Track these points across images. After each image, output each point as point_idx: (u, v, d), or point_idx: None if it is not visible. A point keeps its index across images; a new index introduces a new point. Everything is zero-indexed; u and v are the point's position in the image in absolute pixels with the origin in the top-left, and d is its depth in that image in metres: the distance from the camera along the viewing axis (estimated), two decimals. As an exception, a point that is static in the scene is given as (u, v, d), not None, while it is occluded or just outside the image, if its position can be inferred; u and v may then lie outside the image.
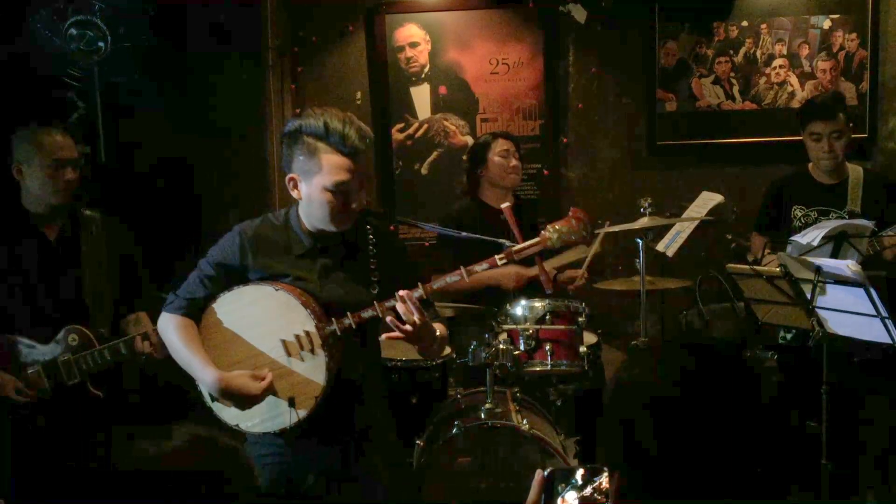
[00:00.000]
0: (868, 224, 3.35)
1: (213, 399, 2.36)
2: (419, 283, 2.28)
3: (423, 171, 4.90)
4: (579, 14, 4.69)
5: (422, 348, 2.40)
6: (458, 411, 3.23)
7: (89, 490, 2.87)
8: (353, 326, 2.28)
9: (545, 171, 4.87)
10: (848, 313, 2.88)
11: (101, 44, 3.92)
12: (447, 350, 3.56)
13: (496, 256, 2.29)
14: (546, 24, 4.77)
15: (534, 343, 3.29)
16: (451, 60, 4.83)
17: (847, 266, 2.81)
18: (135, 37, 4.01)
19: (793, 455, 3.09)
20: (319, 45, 4.83)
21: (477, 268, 2.29)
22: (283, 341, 2.30)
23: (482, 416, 3.12)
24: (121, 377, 3.07)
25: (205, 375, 2.30)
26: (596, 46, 4.79)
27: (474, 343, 3.18)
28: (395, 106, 4.86)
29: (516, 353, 3.27)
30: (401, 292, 2.25)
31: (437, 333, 2.40)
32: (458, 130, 4.87)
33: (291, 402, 2.28)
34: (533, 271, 3.69)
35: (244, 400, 2.28)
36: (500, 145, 3.88)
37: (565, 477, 1.37)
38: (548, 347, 3.28)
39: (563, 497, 1.33)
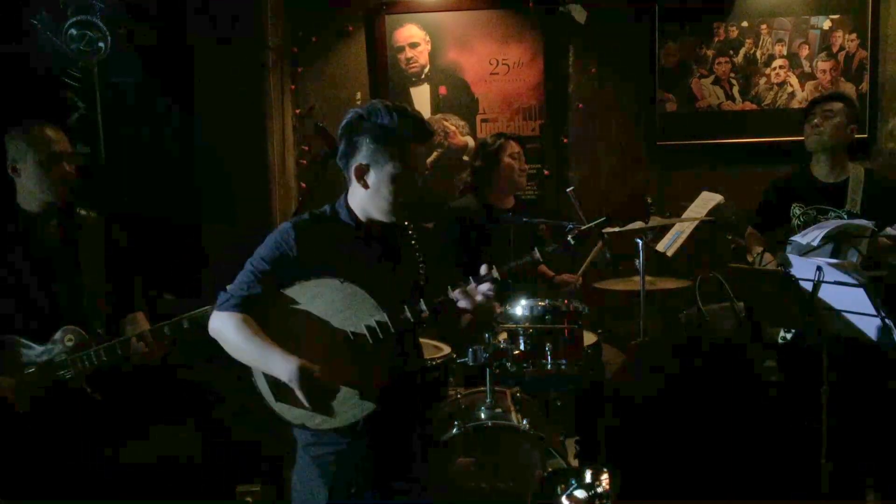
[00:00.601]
0: (868, 224, 3.35)
1: (276, 399, 2.31)
2: (493, 266, 2.32)
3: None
4: (579, 14, 4.68)
5: (472, 327, 2.51)
6: (458, 411, 3.23)
7: (86, 489, 2.87)
8: (427, 313, 2.28)
9: (545, 172, 4.87)
10: (848, 313, 2.88)
11: (101, 44, 3.93)
12: (447, 349, 3.56)
13: (569, 237, 2.43)
14: (546, 24, 4.77)
15: (534, 343, 3.29)
16: (451, 61, 4.83)
17: (847, 266, 2.81)
18: (134, 38, 4.02)
19: (793, 455, 3.09)
20: (319, 45, 4.84)
21: (548, 248, 2.41)
22: (353, 333, 2.28)
23: (482, 416, 3.12)
24: (119, 378, 3.07)
25: (287, 364, 2.21)
26: (596, 46, 4.79)
27: (474, 343, 3.18)
28: (395, 106, 4.86)
29: (516, 353, 3.27)
30: (484, 268, 2.30)
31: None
32: (458, 131, 4.87)
33: (361, 395, 2.25)
34: (575, 277, 3.78)
35: (318, 392, 2.23)
36: (512, 147, 3.95)
37: (565, 477, 1.37)
38: (548, 347, 3.28)
39: (572, 494, 1.33)
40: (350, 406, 2.27)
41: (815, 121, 3.63)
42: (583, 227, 2.45)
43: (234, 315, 2.31)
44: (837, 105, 3.63)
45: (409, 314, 2.27)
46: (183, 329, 2.86)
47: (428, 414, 2.94)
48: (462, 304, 2.29)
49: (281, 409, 2.33)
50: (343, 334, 2.28)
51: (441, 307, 2.30)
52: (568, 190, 2.63)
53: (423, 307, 2.28)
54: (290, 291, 2.32)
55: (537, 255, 2.36)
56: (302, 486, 2.41)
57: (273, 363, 2.25)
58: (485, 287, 2.29)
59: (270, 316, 2.32)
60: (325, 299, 2.29)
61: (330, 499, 2.33)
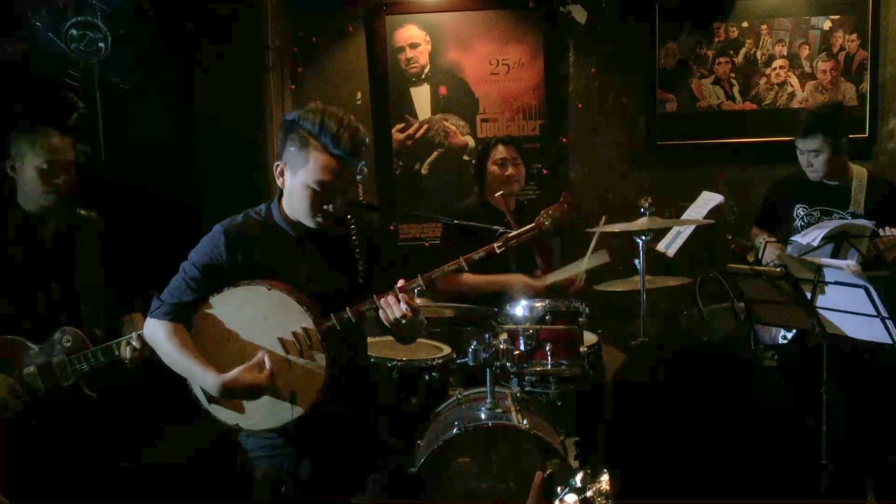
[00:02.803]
0: (868, 224, 3.35)
1: (209, 401, 2.35)
2: (418, 274, 2.29)
3: (424, 171, 4.90)
4: (579, 14, 4.69)
5: (400, 337, 2.45)
6: (458, 411, 3.23)
7: (86, 489, 2.87)
8: (353, 320, 2.27)
9: (545, 171, 4.87)
10: (848, 313, 2.88)
11: (101, 44, 3.92)
12: (447, 349, 3.56)
13: (494, 244, 2.32)
14: (546, 24, 4.77)
15: (534, 343, 3.29)
16: (452, 61, 4.83)
17: (847, 266, 2.81)
18: (135, 37, 4.01)
19: (793, 455, 3.09)
20: (319, 45, 4.84)
21: (475, 256, 2.32)
22: (281, 339, 2.29)
23: (482, 416, 3.12)
24: (119, 377, 3.07)
25: (207, 380, 2.27)
26: (596, 46, 4.79)
27: (474, 343, 3.18)
28: (395, 106, 4.86)
29: (516, 353, 3.27)
30: (399, 283, 2.26)
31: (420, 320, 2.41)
32: (458, 131, 4.87)
33: (293, 398, 2.27)
34: (540, 283, 3.71)
35: (253, 393, 2.27)
36: (499, 153, 3.90)
37: (565, 478, 1.37)
38: (548, 347, 3.28)
39: (563, 499, 1.33)
40: (281, 409, 2.28)
41: (805, 161, 3.60)
42: (510, 234, 2.37)
43: (165, 324, 2.34)
44: (817, 141, 3.53)
45: (334, 321, 2.26)
46: None
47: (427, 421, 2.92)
48: (382, 312, 2.27)
49: (214, 410, 2.36)
50: (272, 340, 2.29)
51: (365, 314, 2.29)
52: (496, 194, 2.48)
53: (348, 314, 2.27)
54: (221, 297, 2.33)
55: (462, 263, 2.32)
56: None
57: (198, 377, 2.30)
58: (403, 297, 2.25)
59: (200, 321, 2.34)
60: (253, 305, 2.30)
61: (256, 492, 2.34)
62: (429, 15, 4.80)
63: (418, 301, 2.35)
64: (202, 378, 2.28)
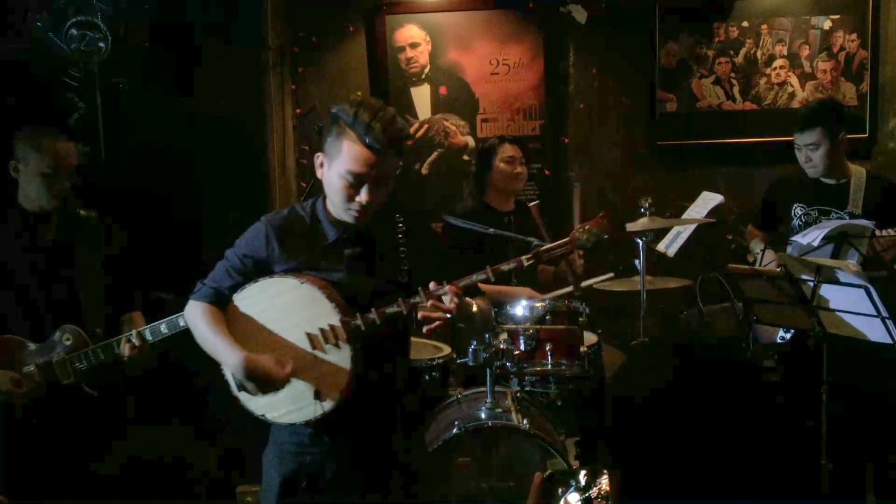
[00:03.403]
0: (868, 224, 3.35)
1: (239, 388, 2.34)
2: (444, 282, 2.25)
3: (424, 171, 4.90)
4: (579, 14, 4.69)
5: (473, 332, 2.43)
6: (458, 411, 3.23)
7: (86, 489, 2.87)
8: (378, 322, 2.26)
9: (545, 172, 4.87)
10: (848, 313, 2.88)
11: (101, 44, 3.93)
12: (447, 349, 3.56)
13: (523, 256, 2.26)
14: (546, 24, 4.77)
15: (534, 343, 3.29)
16: (452, 61, 4.83)
17: (847, 266, 2.81)
18: (135, 37, 4.02)
19: (793, 455, 3.09)
20: (319, 45, 4.83)
21: (503, 267, 2.27)
22: (308, 334, 2.27)
23: (482, 416, 3.12)
24: (120, 376, 3.07)
25: (230, 356, 2.27)
26: (596, 46, 4.79)
27: (474, 343, 3.18)
28: (395, 106, 4.75)
29: (516, 353, 3.27)
30: (432, 284, 2.24)
31: (475, 310, 2.38)
32: (458, 131, 4.87)
33: (317, 395, 2.25)
34: (546, 296, 3.71)
35: (267, 383, 2.26)
36: (506, 151, 3.88)
37: (565, 478, 1.37)
38: (548, 347, 3.28)
39: (563, 499, 1.33)
40: (307, 403, 2.27)
41: (804, 156, 3.58)
42: (542, 248, 2.32)
43: (202, 304, 2.37)
44: (815, 133, 3.52)
45: (359, 321, 2.25)
46: (161, 332, 2.89)
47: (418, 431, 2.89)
48: (421, 314, 2.25)
49: (243, 398, 2.35)
50: (300, 333, 2.28)
51: (385, 318, 2.26)
52: (531, 204, 2.46)
53: (373, 315, 2.25)
54: (255, 286, 2.33)
55: (489, 273, 2.27)
56: (265, 468, 2.43)
57: (221, 353, 2.30)
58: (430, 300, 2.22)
59: (233, 309, 2.35)
60: (285, 298, 2.30)
61: (280, 488, 2.34)
62: (429, 15, 4.80)
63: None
64: (226, 354, 2.29)
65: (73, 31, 3.92)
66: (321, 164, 2.31)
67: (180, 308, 2.90)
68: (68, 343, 2.89)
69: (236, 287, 2.35)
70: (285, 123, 4.66)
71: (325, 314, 2.25)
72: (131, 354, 2.86)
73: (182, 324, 2.80)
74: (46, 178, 2.90)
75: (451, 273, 2.29)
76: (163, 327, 2.87)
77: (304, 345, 2.28)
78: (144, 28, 4.04)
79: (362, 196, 2.24)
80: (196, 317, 2.38)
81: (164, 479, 3.31)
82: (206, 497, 3.66)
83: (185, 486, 3.39)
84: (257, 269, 2.34)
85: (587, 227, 2.29)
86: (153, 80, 4.09)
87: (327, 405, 2.26)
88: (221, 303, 2.36)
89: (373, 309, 2.26)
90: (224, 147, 4.24)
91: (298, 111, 4.81)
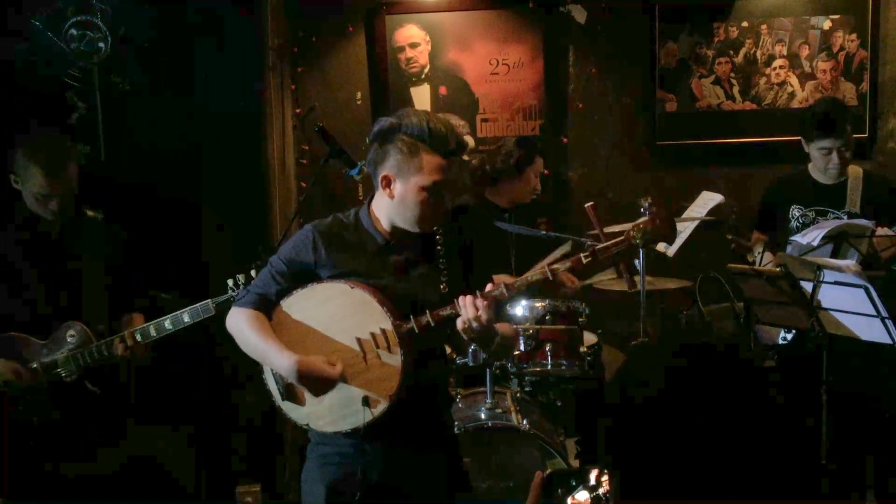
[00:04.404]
0: (868, 224, 3.35)
1: (283, 398, 2.33)
2: (502, 284, 2.25)
3: (424, 171, 4.89)
4: (579, 14, 4.69)
5: (483, 347, 2.44)
6: (458, 411, 3.23)
7: (86, 489, 2.87)
8: (432, 324, 2.25)
9: (545, 171, 4.86)
10: (848, 313, 2.88)
11: (101, 44, 3.93)
12: (447, 350, 3.55)
13: (581, 255, 2.24)
14: (546, 24, 4.76)
15: (534, 343, 3.30)
16: (452, 61, 4.83)
17: (847, 266, 2.81)
18: (134, 38, 4.02)
19: (793, 455, 3.09)
20: (319, 45, 4.83)
21: (560, 266, 2.26)
22: (359, 339, 2.27)
23: (482, 416, 3.13)
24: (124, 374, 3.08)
25: (282, 360, 2.26)
26: (596, 47, 4.79)
27: (474, 343, 3.17)
28: (395, 106, 4.85)
29: (516, 353, 3.27)
30: (490, 284, 2.24)
31: (501, 333, 2.36)
32: (458, 131, 4.86)
33: (365, 401, 2.24)
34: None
35: (320, 384, 2.25)
36: (539, 165, 3.96)
37: (565, 478, 1.37)
38: (548, 347, 3.28)
39: (572, 497, 1.33)
40: (354, 410, 2.26)
41: (835, 158, 3.55)
42: (598, 246, 2.24)
43: (247, 311, 2.36)
44: (847, 133, 3.52)
45: (413, 324, 2.25)
46: (150, 334, 2.90)
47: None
48: (460, 318, 2.24)
49: (287, 407, 2.34)
50: (350, 339, 2.28)
51: (447, 320, 2.26)
52: (587, 206, 2.46)
53: (428, 317, 2.25)
54: (303, 292, 2.32)
55: (549, 274, 2.24)
56: (306, 484, 2.42)
57: (272, 358, 2.30)
58: (479, 302, 2.21)
59: (281, 314, 2.34)
60: (335, 303, 2.29)
61: (327, 500, 2.32)
62: (429, 15, 4.80)
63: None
64: (277, 359, 2.27)
65: (73, 31, 3.92)
66: (388, 184, 2.29)
67: (179, 308, 2.92)
68: (73, 340, 2.91)
69: (282, 293, 2.34)
70: (285, 123, 4.66)
71: (376, 319, 2.25)
72: (124, 354, 2.87)
73: (171, 326, 2.87)
74: (39, 202, 2.92)
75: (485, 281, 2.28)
76: (167, 323, 2.90)
77: (355, 350, 2.27)
78: (144, 28, 4.04)
79: (444, 203, 2.29)
80: (241, 323, 2.36)
81: (164, 478, 3.31)
82: (206, 497, 3.66)
83: (185, 486, 3.39)
84: (303, 275, 2.34)
85: (641, 225, 2.25)
86: (153, 80, 4.08)
87: (377, 411, 2.25)
88: (267, 309, 2.35)
89: (427, 311, 2.26)
90: (224, 147, 4.24)
91: (298, 111, 4.81)
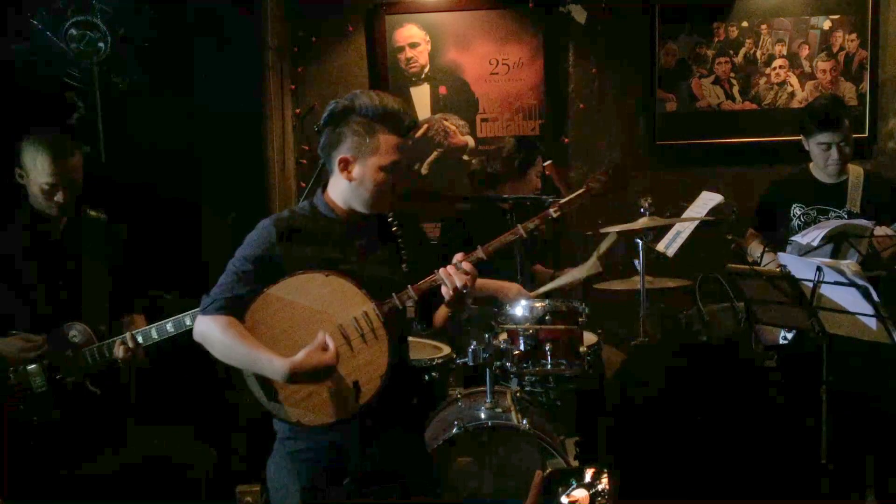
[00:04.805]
0: (868, 224, 3.35)
1: (269, 399, 2.29)
2: (478, 246, 2.31)
3: (423, 170, 4.89)
4: (579, 14, 4.69)
5: (459, 313, 2.47)
6: (458, 411, 3.23)
7: (86, 489, 2.86)
8: (415, 298, 2.28)
9: (557, 170, 4.85)
10: (848, 313, 2.88)
11: (101, 44, 3.94)
12: (447, 350, 3.56)
13: (549, 209, 2.34)
14: (546, 24, 4.77)
15: (534, 343, 3.29)
16: (451, 61, 4.83)
17: (847, 266, 2.81)
18: (134, 38, 4.02)
19: (793, 455, 3.09)
20: (319, 45, 4.83)
21: (530, 224, 2.37)
22: (342, 326, 2.26)
23: (482, 416, 3.12)
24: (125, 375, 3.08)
25: (274, 366, 2.19)
26: (596, 46, 4.79)
27: (474, 343, 3.18)
28: (395, 106, 4.85)
29: (516, 353, 3.27)
30: (458, 255, 2.28)
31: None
32: (458, 130, 4.87)
33: (356, 386, 2.23)
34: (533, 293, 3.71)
35: (320, 375, 2.21)
36: (540, 165, 3.95)
37: (564, 478, 1.37)
38: (548, 347, 3.28)
39: (569, 494, 1.33)
40: (343, 399, 2.25)
41: (834, 153, 3.56)
42: (562, 200, 2.39)
43: (219, 318, 2.27)
44: (846, 127, 3.54)
45: (396, 301, 2.26)
46: (152, 336, 2.91)
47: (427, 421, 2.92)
48: (445, 287, 2.27)
49: (275, 408, 2.31)
50: (333, 328, 2.26)
51: (428, 291, 2.29)
52: (545, 164, 2.59)
53: (411, 292, 2.27)
54: (276, 288, 2.28)
55: (520, 230, 2.34)
56: (276, 479, 2.38)
57: (263, 366, 2.22)
58: (466, 266, 2.26)
59: (259, 312, 2.28)
60: (312, 294, 2.27)
61: (303, 497, 2.31)
62: (428, 15, 4.80)
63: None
64: (268, 365, 2.20)
65: (73, 31, 3.92)
66: (346, 167, 2.29)
67: (180, 309, 2.92)
68: (75, 340, 2.91)
69: (251, 293, 2.28)
70: (285, 123, 4.66)
71: (357, 303, 2.25)
72: (125, 356, 2.87)
73: (173, 329, 2.87)
74: (45, 191, 2.92)
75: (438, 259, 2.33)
76: (169, 326, 2.90)
77: (338, 338, 2.25)
78: (144, 28, 4.05)
79: (401, 182, 2.30)
80: (215, 331, 2.26)
81: (164, 478, 3.30)
82: (206, 497, 3.66)
83: (185, 486, 3.38)
84: (270, 272, 2.28)
85: (598, 175, 2.41)
86: (153, 80, 4.08)
87: (369, 394, 2.24)
88: (238, 313, 2.27)
89: (409, 286, 2.28)
90: (224, 147, 4.24)
91: (298, 111, 4.81)
